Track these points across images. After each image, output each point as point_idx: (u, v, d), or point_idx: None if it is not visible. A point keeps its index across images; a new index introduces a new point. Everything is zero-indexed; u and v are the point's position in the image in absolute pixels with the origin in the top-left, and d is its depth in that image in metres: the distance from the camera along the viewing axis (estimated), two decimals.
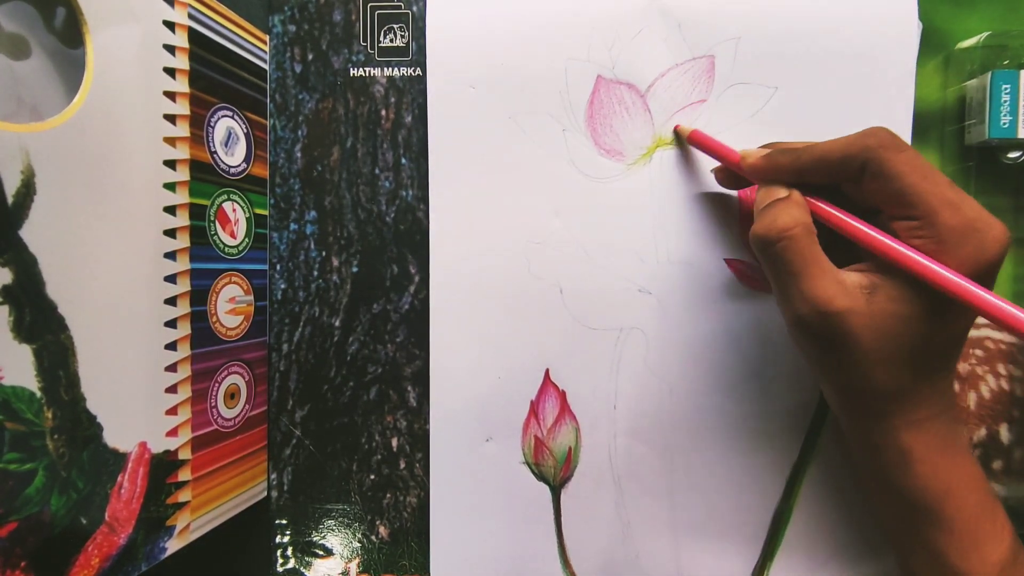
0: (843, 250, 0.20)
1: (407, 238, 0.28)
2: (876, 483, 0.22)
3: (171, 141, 0.22)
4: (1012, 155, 0.26)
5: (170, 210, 0.22)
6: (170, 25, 0.22)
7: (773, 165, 0.22)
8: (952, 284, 0.18)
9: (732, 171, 0.24)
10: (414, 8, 0.27)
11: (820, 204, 0.21)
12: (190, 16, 0.23)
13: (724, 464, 0.26)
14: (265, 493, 0.28)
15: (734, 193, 0.26)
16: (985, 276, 0.18)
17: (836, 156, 0.20)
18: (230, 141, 0.25)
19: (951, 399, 0.21)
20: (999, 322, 0.18)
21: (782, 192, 0.21)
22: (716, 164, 0.25)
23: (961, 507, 0.20)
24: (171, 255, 0.22)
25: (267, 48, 0.28)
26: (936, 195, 0.19)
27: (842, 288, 0.19)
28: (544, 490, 0.27)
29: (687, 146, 0.26)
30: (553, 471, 0.27)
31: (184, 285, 0.23)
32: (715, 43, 0.26)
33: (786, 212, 0.20)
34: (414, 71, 0.28)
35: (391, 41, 0.28)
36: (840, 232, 0.20)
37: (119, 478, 0.20)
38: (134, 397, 0.21)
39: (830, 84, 0.25)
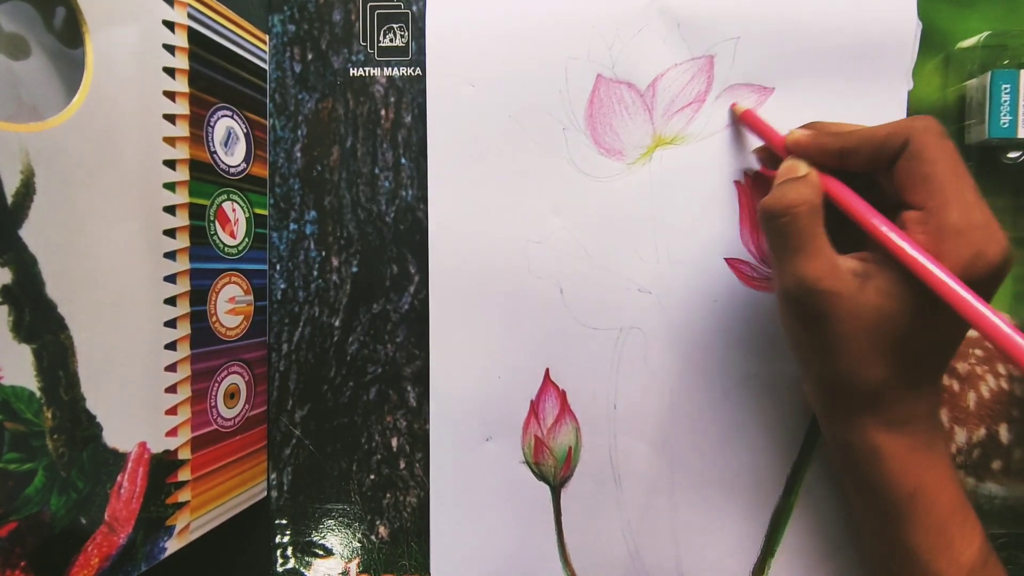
0: (853, 241, 0.20)
1: (407, 238, 0.28)
2: (849, 480, 0.22)
3: (171, 141, 0.22)
4: (1012, 155, 0.26)
5: (170, 210, 0.22)
6: (170, 25, 0.22)
7: (817, 144, 0.21)
8: (941, 283, 0.18)
9: (773, 152, 0.24)
10: (414, 8, 0.27)
11: (834, 183, 0.21)
12: (190, 16, 0.23)
13: (724, 463, 0.26)
14: (265, 493, 0.28)
15: (734, 193, 0.26)
16: (980, 285, 0.18)
17: (882, 134, 0.20)
18: (230, 141, 0.25)
19: (932, 408, 0.20)
20: (982, 331, 0.17)
21: (801, 170, 0.21)
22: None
23: (931, 507, 0.20)
24: (171, 255, 0.22)
25: (267, 48, 0.28)
26: (956, 191, 0.19)
27: (834, 270, 0.19)
28: (544, 490, 0.27)
29: (690, 142, 0.26)
30: (553, 471, 0.27)
31: (184, 285, 0.23)
32: (714, 43, 0.26)
33: (796, 190, 0.20)
34: (414, 71, 0.28)
35: (391, 41, 0.28)
36: (846, 213, 0.20)
37: (119, 478, 0.20)
38: (134, 397, 0.21)
39: (829, 84, 0.25)
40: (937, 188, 0.19)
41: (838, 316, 0.19)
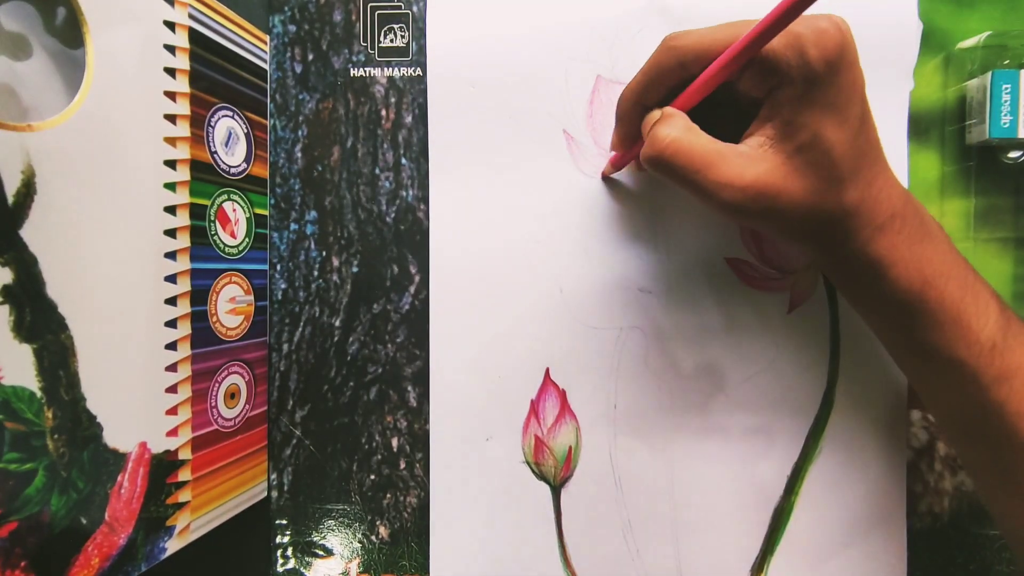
0: (737, 131, 0.21)
1: (407, 238, 0.28)
2: (863, 305, 0.22)
3: (171, 141, 0.22)
4: (1013, 155, 0.26)
5: (170, 210, 0.22)
6: (170, 25, 0.22)
7: (643, 78, 0.22)
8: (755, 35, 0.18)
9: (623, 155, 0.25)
10: (414, 8, 0.27)
11: (688, 89, 0.21)
12: (190, 16, 0.23)
13: (724, 462, 0.26)
14: (265, 493, 0.28)
15: None
16: (834, 73, 0.19)
17: (706, 39, 0.20)
18: (230, 141, 0.26)
19: (899, 191, 0.21)
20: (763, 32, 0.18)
21: (655, 115, 0.21)
22: None
23: (942, 298, 0.20)
24: (171, 255, 0.22)
25: (267, 48, 0.28)
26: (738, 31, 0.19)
27: (744, 157, 0.20)
28: (545, 490, 0.27)
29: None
30: (554, 470, 0.27)
31: (184, 285, 0.23)
32: None
33: (659, 129, 0.20)
34: (414, 71, 0.28)
35: (391, 41, 0.28)
36: (715, 82, 0.20)
37: (119, 478, 0.20)
38: (134, 397, 0.21)
39: None
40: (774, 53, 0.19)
41: (780, 184, 0.19)
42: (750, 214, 0.20)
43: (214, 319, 0.25)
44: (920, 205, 0.21)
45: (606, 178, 0.27)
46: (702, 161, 0.20)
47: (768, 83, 0.20)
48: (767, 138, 0.20)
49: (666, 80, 0.21)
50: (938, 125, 0.26)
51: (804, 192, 0.20)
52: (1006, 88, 0.24)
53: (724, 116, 0.21)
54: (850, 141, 0.20)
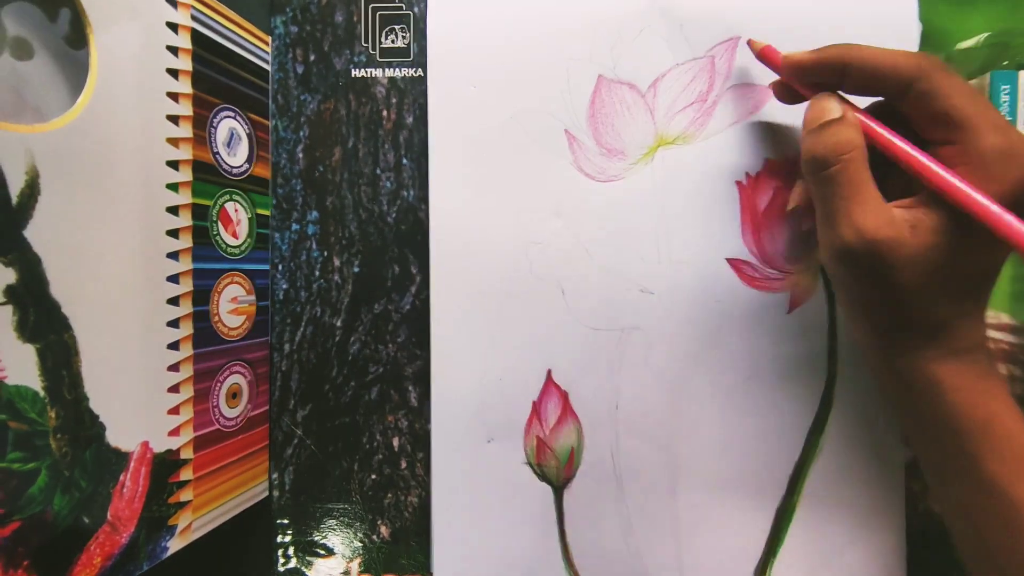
0: (886, 186, 0.20)
1: (408, 238, 0.28)
2: (911, 417, 0.21)
3: (174, 142, 0.22)
4: None
5: (173, 210, 0.22)
6: (173, 26, 0.22)
7: (818, 59, 0.21)
8: (985, 210, 0.18)
9: (789, 86, 0.23)
10: (416, 9, 0.28)
11: (872, 123, 0.20)
12: (193, 18, 0.23)
13: (726, 463, 0.26)
14: (267, 492, 0.28)
15: (736, 193, 0.26)
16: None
17: (888, 63, 0.20)
18: (232, 142, 0.26)
19: (983, 333, 0.20)
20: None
21: (835, 111, 0.20)
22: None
23: (1007, 434, 0.19)
24: (174, 255, 0.22)
25: (269, 49, 0.28)
26: (984, 117, 0.19)
27: (890, 218, 0.19)
28: (546, 490, 0.27)
29: (692, 143, 0.26)
30: (556, 471, 0.27)
31: (186, 285, 0.23)
32: (716, 43, 0.26)
33: (844, 133, 0.20)
34: (415, 72, 0.28)
35: (392, 42, 0.28)
36: (888, 155, 0.20)
37: (121, 477, 0.20)
38: (136, 396, 0.21)
39: None
40: (963, 120, 0.19)
41: (900, 263, 0.19)
42: (853, 267, 0.20)
43: (216, 319, 0.25)
44: (992, 352, 0.21)
45: (609, 183, 0.27)
46: (858, 195, 0.19)
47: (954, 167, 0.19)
48: (914, 219, 0.19)
49: (875, 85, 0.20)
50: None
51: (912, 285, 0.19)
52: (1005, 89, 0.24)
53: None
54: (982, 269, 0.20)
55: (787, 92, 0.24)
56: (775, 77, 0.24)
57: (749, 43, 0.25)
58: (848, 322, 0.23)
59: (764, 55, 0.24)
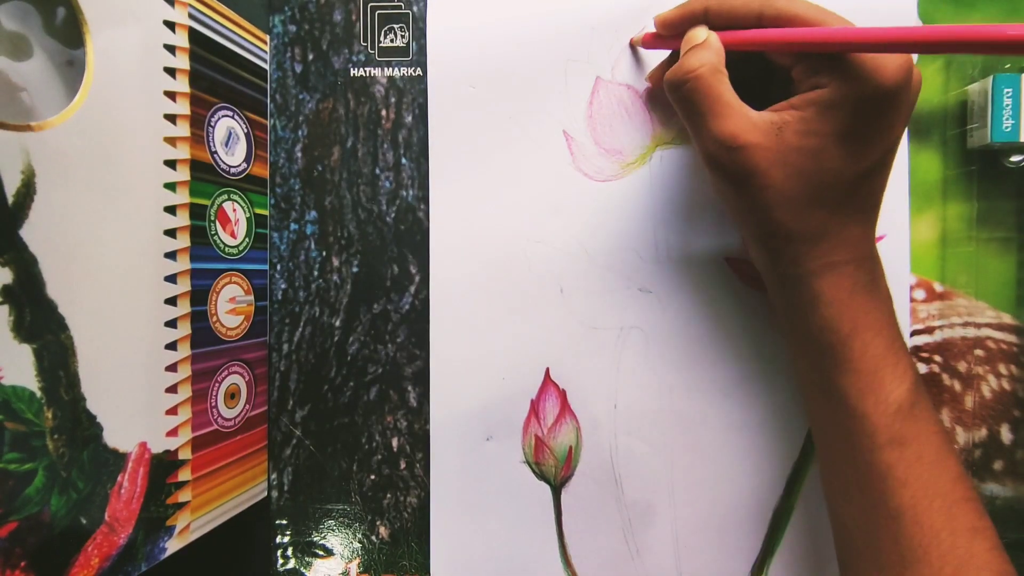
0: (768, 98, 0.21)
1: (407, 238, 0.28)
2: (789, 329, 0.22)
3: (171, 141, 0.22)
4: (1015, 159, 0.26)
5: (170, 210, 0.22)
6: (170, 25, 0.22)
7: (681, 12, 0.22)
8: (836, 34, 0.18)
9: (662, 70, 0.24)
10: (414, 8, 0.27)
11: (731, 33, 0.21)
12: (190, 16, 0.23)
13: (725, 463, 0.26)
14: (265, 493, 0.28)
15: None
16: (890, 99, 0.19)
17: (737, 2, 0.21)
18: (230, 141, 0.26)
19: (868, 246, 0.21)
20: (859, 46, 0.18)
21: (700, 35, 0.21)
22: None
23: (865, 349, 0.20)
24: (171, 255, 0.22)
25: (267, 48, 0.28)
26: (832, 19, 0.19)
27: (750, 124, 0.19)
28: (545, 489, 0.27)
29: (690, 142, 0.26)
30: (554, 470, 0.27)
31: (184, 285, 0.23)
32: None
33: (694, 56, 0.20)
34: (414, 71, 0.28)
35: (391, 41, 0.28)
36: (766, 46, 0.20)
37: (119, 478, 0.20)
38: (134, 397, 0.21)
39: None
40: (814, 22, 0.19)
41: (764, 167, 0.19)
42: (723, 175, 0.20)
43: (214, 319, 0.25)
44: (880, 267, 0.21)
45: (607, 182, 0.27)
46: (713, 107, 0.20)
47: (819, 74, 0.19)
48: (781, 121, 0.19)
49: (693, 18, 0.21)
50: (939, 128, 0.26)
51: (781, 189, 0.19)
52: (1007, 92, 0.24)
53: (745, 64, 0.21)
54: (854, 177, 0.19)
55: (660, 79, 0.25)
56: None
57: (631, 43, 0.26)
58: (742, 239, 0.23)
59: (647, 41, 0.25)
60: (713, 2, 0.21)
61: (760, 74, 0.22)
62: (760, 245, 0.21)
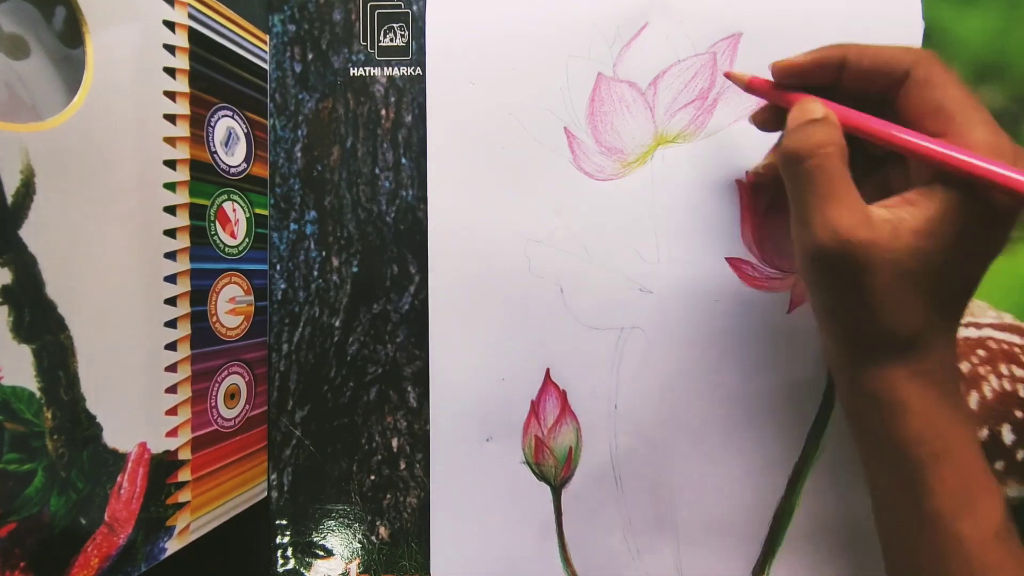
0: (869, 187, 0.20)
1: (407, 238, 0.28)
2: (869, 440, 0.21)
3: (171, 141, 0.22)
4: None
5: (170, 210, 0.22)
6: (170, 25, 0.22)
7: (813, 59, 0.20)
8: (999, 175, 0.17)
9: (771, 112, 0.23)
10: (414, 7, 0.27)
11: (853, 112, 0.20)
12: (190, 16, 0.23)
13: (725, 463, 0.26)
14: (265, 493, 0.28)
15: (735, 192, 0.26)
16: (1012, 217, 0.18)
17: (886, 53, 0.19)
18: (230, 141, 0.25)
19: (953, 354, 0.20)
20: None
21: (818, 112, 0.19)
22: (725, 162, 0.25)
23: (957, 468, 0.19)
24: (171, 255, 0.22)
25: (267, 48, 0.28)
26: (976, 112, 0.18)
27: (867, 218, 0.18)
28: (545, 490, 0.27)
29: (692, 141, 0.26)
30: (554, 471, 0.27)
31: (184, 285, 0.23)
32: (716, 40, 0.26)
33: (823, 130, 0.19)
34: (414, 70, 0.27)
35: (391, 41, 0.28)
36: (878, 140, 0.19)
37: (119, 478, 0.20)
38: (134, 397, 0.21)
39: None
40: (955, 112, 0.18)
41: (876, 266, 0.18)
42: (826, 268, 0.19)
43: (214, 319, 0.25)
44: (960, 376, 0.20)
45: (608, 181, 0.27)
46: (835, 193, 0.18)
47: (943, 182, 0.18)
48: (896, 219, 0.18)
49: (871, 78, 0.20)
50: None
51: (888, 291, 0.18)
52: None
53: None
54: (961, 281, 0.19)
55: (768, 119, 0.23)
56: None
57: (728, 76, 0.23)
58: (820, 331, 0.22)
59: (752, 85, 0.23)
60: (854, 50, 0.20)
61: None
62: (846, 344, 0.20)
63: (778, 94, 0.22)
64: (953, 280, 0.19)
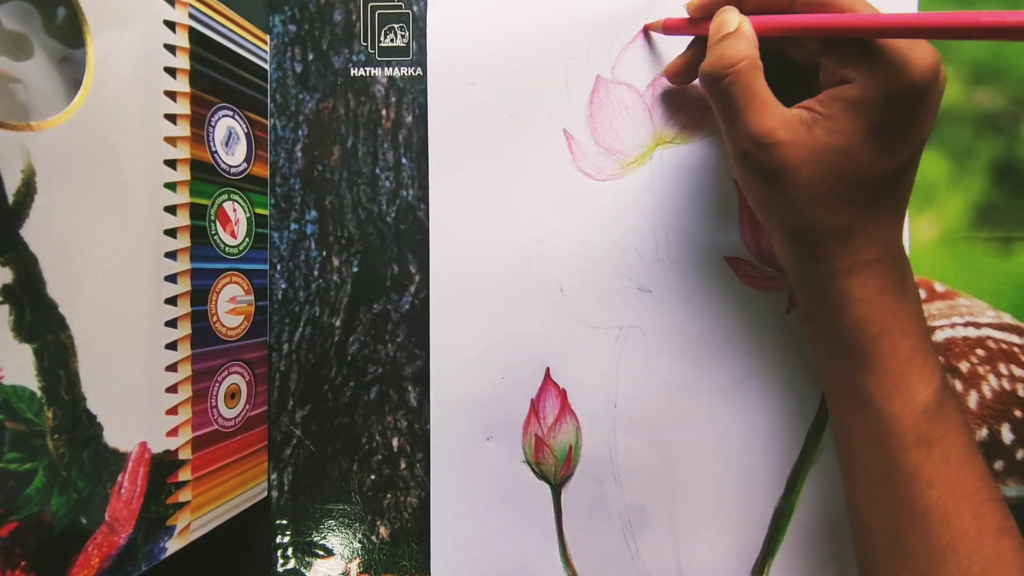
0: (788, 92, 0.21)
1: (407, 238, 0.28)
2: (815, 328, 0.22)
3: (172, 141, 0.22)
4: None
5: (171, 210, 0.22)
6: (171, 25, 0.22)
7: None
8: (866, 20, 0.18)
9: (683, 66, 0.24)
10: (415, 8, 0.27)
11: (765, 18, 0.21)
12: (191, 16, 0.23)
13: (725, 462, 0.26)
14: (265, 493, 0.28)
15: (734, 192, 0.26)
16: (918, 95, 0.18)
17: None
18: (231, 141, 0.26)
19: (897, 244, 0.21)
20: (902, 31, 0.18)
21: (732, 22, 0.21)
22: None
23: (894, 350, 0.20)
24: (172, 255, 0.22)
25: (268, 48, 0.28)
26: (863, 6, 0.19)
27: (784, 121, 0.19)
28: (545, 489, 0.27)
29: (690, 142, 0.26)
30: (554, 470, 0.27)
31: (184, 285, 0.23)
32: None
33: (733, 46, 0.20)
34: (414, 71, 0.28)
35: (392, 41, 0.28)
36: (797, 32, 0.20)
37: (119, 478, 0.20)
38: (134, 397, 0.21)
39: None
40: (842, 4, 0.19)
41: (797, 163, 0.19)
42: (755, 171, 0.20)
43: (214, 319, 0.25)
44: (908, 266, 0.21)
45: (607, 182, 0.27)
46: (751, 103, 0.20)
47: (847, 68, 0.19)
48: (811, 118, 0.19)
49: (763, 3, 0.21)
50: (940, 123, 0.26)
51: (812, 186, 0.19)
52: None
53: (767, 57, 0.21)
54: (884, 174, 0.19)
55: (681, 70, 0.25)
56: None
57: (646, 28, 0.25)
58: (769, 237, 0.23)
59: (668, 25, 0.25)
60: None
61: (782, 69, 0.22)
62: (788, 242, 0.21)
63: (695, 28, 0.24)
64: (876, 171, 0.19)
